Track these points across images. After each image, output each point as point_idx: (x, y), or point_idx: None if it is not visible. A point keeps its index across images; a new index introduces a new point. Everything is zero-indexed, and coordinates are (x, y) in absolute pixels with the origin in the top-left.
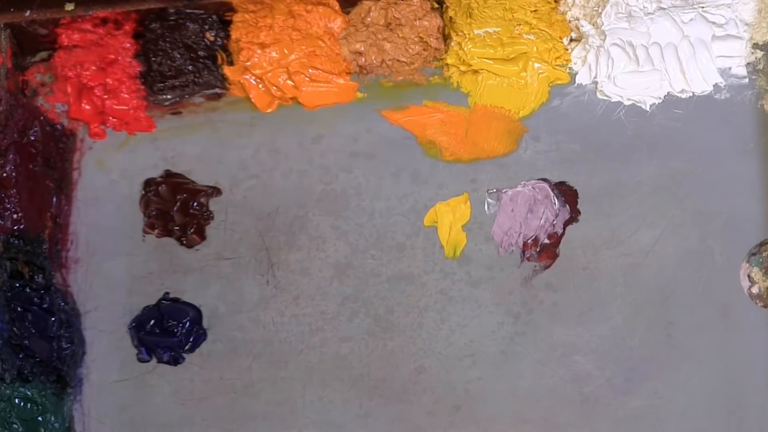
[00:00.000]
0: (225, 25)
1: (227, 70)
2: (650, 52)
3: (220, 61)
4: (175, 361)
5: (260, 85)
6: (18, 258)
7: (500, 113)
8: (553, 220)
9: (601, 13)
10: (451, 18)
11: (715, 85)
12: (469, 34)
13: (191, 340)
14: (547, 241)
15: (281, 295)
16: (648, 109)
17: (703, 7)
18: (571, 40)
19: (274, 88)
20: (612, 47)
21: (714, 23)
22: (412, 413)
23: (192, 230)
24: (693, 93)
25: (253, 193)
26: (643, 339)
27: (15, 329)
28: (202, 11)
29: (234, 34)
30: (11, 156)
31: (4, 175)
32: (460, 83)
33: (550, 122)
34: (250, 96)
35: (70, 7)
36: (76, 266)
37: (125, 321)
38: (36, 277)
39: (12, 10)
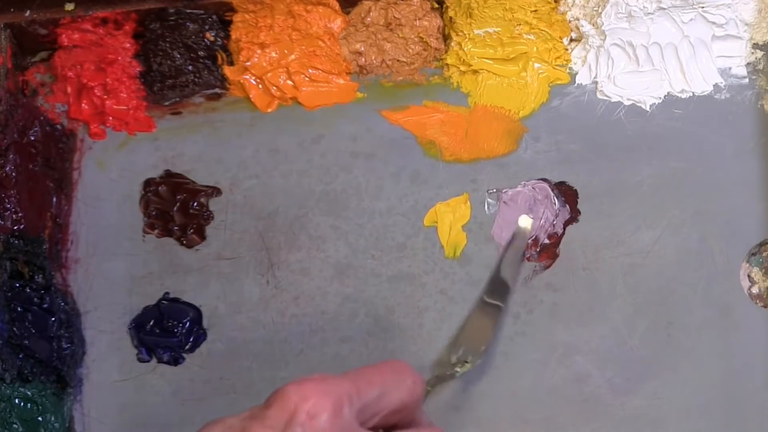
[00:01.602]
0: (225, 25)
1: (227, 70)
2: (650, 52)
3: (220, 61)
4: (175, 361)
5: (260, 85)
6: (18, 258)
7: (500, 113)
8: (553, 220)
9: (601, 13)
10: (451, 18)
11: (715, 85)
12: (469, 34)
13: (191, 340)
14: (547, 241)
15: (281, 295)
16: (648, 109)
17: (703, 7)
18: (571, 40)
19: (274, 88)
20: (612, 47)
21: (714, 23)
22: None
23: (192, 230)
24: (693, 93)
25: (253, 193)
26: (643, 339)
27: (15, 329)
28: (202, 11)
29: (234, 34)
30: (11, 156)
31: (4, 175)
32: (460, 83)
33: (550, 122)
34: (250, 96)
35: (70, 7)
36: (76, 266)
37: (125, 321)
38: (36, 277)
39: (12, 10)
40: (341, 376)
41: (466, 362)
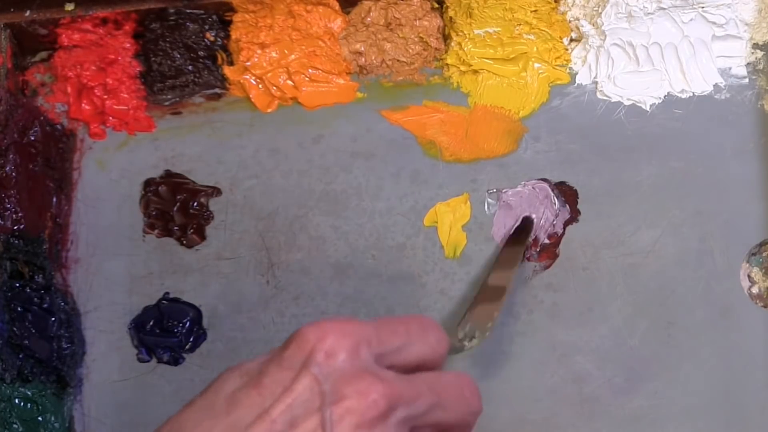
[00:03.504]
0: (225, 25)
1: (227, 70)
2: (650, 52)
3: (220, 61)
4: (175, 361)
5: (260, 85)
6: (18, 258)
7: (500, 113)
8: (553, 220)
9: (601, 13)
10: (451, 18)
11: (715, 85)
12: (469, 34)
13: (191, 340)
14: (547, 241)
15: (281, 295)
16: (648, 109)
17: (703, 7)
18: (571, 40)
19: (274, 88)
20: (612, 47)
21: (714, 23)
22: None
23: (192, 230)
24: (693, 93)
25: (253, 193)
26: (643, 339)
27: (15, 329)
28: (202, 11)
29: (234, 34)
30: (11, 156)
31: (4, 175)
32: (460, 83)
33: (550, 122)
34: (250, 96)
35: (70, 7)
36: (76, 266)
37: (125, 321)
38: (36, 277)
39: (12, 10)
40: (363, 321)
41: (473, 338)
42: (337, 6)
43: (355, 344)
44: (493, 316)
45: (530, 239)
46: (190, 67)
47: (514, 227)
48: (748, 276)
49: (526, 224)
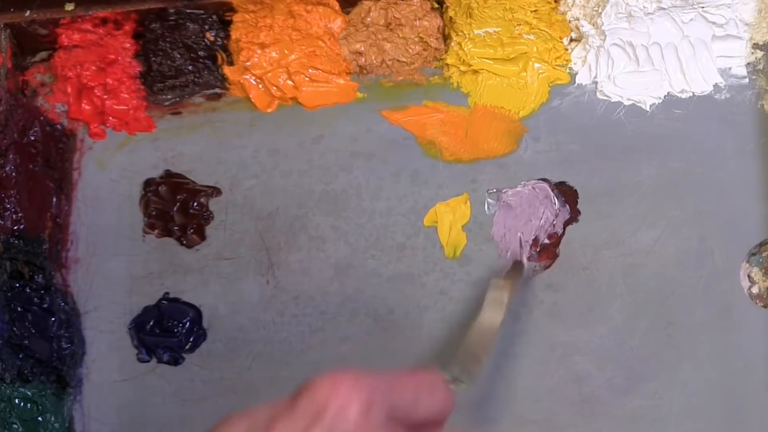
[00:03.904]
0: (225, 25)
1: (227, 70)
2: (650, 52)
3: (220, 61)
4: (175, 361)
5: (260, 85)
6: (18, 258)
7: (500, 113)
8: (553, 220)
9: (601, 13)
10: (451, 18)
11: (715, 85)
12: (469, 34)
13: (191, 340)
14: (547, 241)
15: (281, 295)
16: (648, 109)
17: (703, 7)
18: (571, 40)
19: (274, 88)
20: (612, 47)
21: (714, 23)
22: None
23: (192, 230)
24: (693, 93)
25: (253, 193)
26: (643, 339)
27: (15, 329)
28: (202, 11)
29: (234, 34)
30: (11, 156)
31: (4, 175)
32: (460, 83)
33: (550, 122)
34: (250, 96)
35: (70, 7)
36: (76, 266)
37: (125, 321)
38: (36, 277)
39: (12, 10)
40: (376, 374)
41: (461, 382)
42: (337, 6)
43: (368, 399)
44: (481, 362)
45: (521, 281)
46: (190, 67)
47: (505, 271)
48: (748, 276)
49: (516, 269)
